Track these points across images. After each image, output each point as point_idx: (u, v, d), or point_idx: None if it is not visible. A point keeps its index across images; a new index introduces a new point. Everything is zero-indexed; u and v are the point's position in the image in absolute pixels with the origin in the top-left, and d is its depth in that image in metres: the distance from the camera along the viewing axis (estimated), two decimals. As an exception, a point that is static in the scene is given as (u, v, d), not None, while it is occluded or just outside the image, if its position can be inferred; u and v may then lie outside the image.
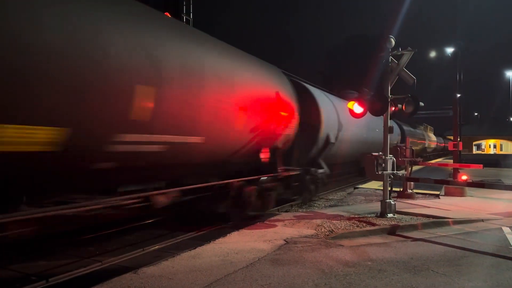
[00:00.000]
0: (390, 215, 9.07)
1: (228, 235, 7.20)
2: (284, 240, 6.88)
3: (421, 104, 9.43)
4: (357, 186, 15.57)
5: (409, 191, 12.47)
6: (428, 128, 47.68)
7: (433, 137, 49.56)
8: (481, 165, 14.25)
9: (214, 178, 8.17)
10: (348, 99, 11.04)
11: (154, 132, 5.80)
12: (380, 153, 9.54)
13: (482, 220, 9.16)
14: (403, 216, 9.21)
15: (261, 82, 9.22)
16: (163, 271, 5.24)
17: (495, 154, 74.13)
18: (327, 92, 14.66)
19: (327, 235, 7.38)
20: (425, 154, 38.02)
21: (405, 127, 27.84)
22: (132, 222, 8.74)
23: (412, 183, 12.56)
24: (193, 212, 9.39)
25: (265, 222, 8.42)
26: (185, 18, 12.47)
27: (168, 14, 9.38)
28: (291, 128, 10.52)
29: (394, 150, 12.53)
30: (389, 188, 9.44)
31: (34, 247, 6.69)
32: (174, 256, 5.88)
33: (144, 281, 4.84)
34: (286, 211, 10.60)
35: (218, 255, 5.96)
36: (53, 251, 6.65)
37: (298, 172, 10.98)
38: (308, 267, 5.51)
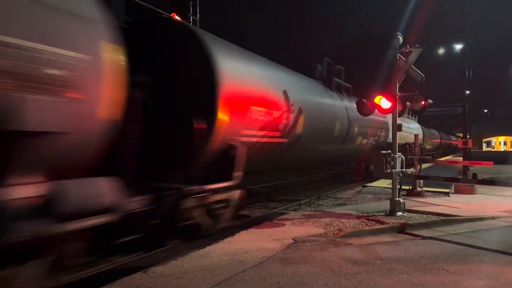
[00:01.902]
0: (399, 213, 9.02)
1: (236, 234, 7.20)
2: (293, 239, 6.87)
3: (430, 101, 9.37)
4: (366, 185, 15.49)
5: (419, 189, 12.39)
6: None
7: (416, 128, 32.23)
8: (491, 162, 14.09)
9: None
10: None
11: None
12: (389, 151, 9.49)
13: (493, 218, 9.07)
14: (413, 214, 9.15)
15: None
16: (173, 270, 5.25)
17: (505, 152, 73.29)
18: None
19: (336, 234, 7.36)
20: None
21: (346, 102, 14.09)
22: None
23: (421, 181, 12.49)
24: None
25: (273, 221, 8.41)
26: (192, 18, 12.48)
27: (175, 15, 9.41)
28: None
29: (403, 148, 12.46)
30: (398, 186, 9.39)
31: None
32: (183, 255, 5.89)
33: (153, 281, 4.86)
34: (295, 210, 10.59)
35: (227, 254, 5.96)
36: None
37: None
38: (317, 266, 5.49)
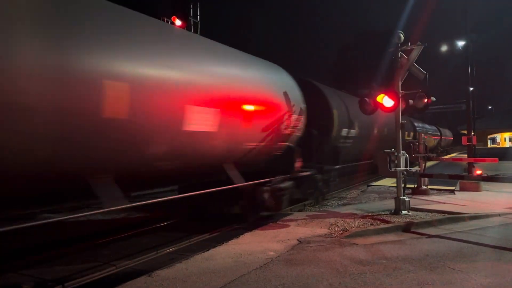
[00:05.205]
0: (404, 212, 8.97)
1: (241, 236, 7.19)
2: (298, 240, 6.85)
3: (433, 98, 9.32)
4: (370, 184, 15.44)
5: (424, 187, 12.33)
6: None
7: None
8: (496, 159, 13.99)
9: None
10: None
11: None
12: (393, 149, 9.44)
13: (499, 215, 9.00)
14: (418, 212, 9.10)
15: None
16: (177, 273, 5.25)
17: (510, 148, 72.78)
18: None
19: (341, 234, 7.33)
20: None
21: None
22: (146, 225, 8.81)
23: (426, 179, 12.42)
24: (205, 214, 9.43)
25: (278, 222, 8.39)
26: (193, 21, 12.51)
27: (175, 18, 9.45)
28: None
29: (407, 146, 12.40)
30: (403, 185, 9.33)
31: (50, 252, 6.77)
32: (187, 258, 5.90)
33: (158, 284, 4.86)
34: (299, 211, 10.56)
35: (232, 257, 5.95)
36: (68, 255, 6.73)
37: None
38: (322, 267, 5.47)
